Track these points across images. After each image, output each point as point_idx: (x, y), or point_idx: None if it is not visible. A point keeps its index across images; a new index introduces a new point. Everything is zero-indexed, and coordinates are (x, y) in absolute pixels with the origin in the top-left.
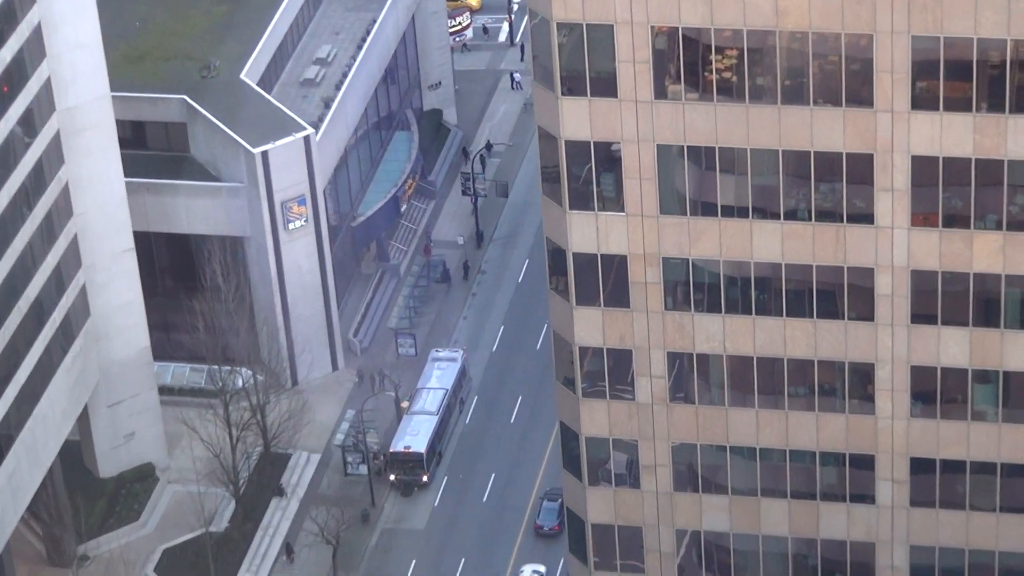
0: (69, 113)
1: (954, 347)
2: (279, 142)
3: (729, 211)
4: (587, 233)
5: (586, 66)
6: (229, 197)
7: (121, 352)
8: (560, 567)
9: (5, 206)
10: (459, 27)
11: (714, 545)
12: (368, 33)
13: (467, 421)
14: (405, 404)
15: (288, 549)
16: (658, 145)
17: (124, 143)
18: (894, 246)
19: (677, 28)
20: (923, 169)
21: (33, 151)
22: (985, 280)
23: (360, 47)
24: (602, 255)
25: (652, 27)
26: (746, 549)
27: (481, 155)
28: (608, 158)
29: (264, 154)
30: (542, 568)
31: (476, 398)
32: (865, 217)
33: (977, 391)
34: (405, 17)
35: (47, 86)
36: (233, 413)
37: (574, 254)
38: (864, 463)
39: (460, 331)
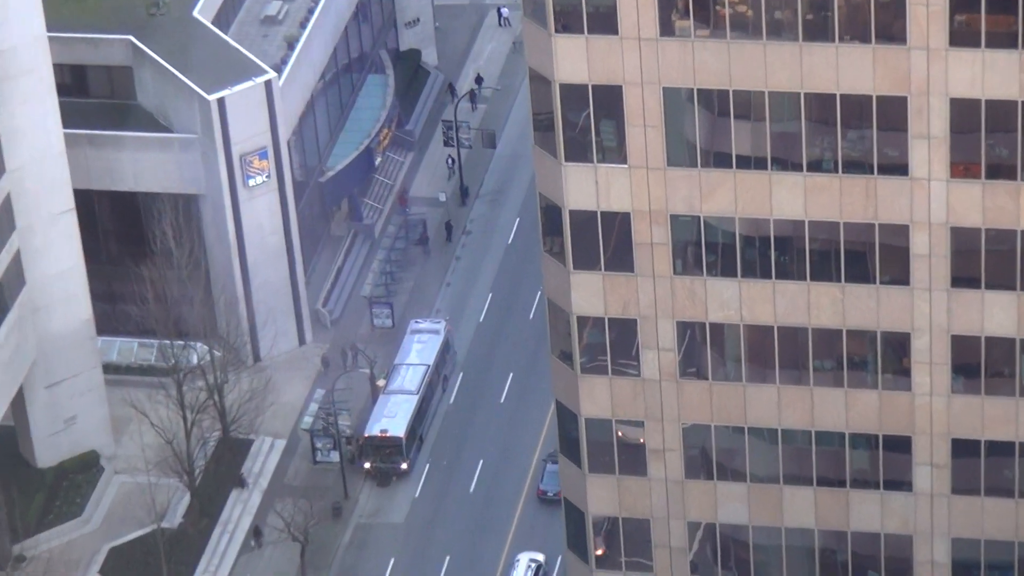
0: (0, 57)
1: (1000, 313)
2: (237, 88)
3: (745, 162)
4: (585, 188)
5: None
6: (181, 150)
7: (60, 326)
8: (557, 565)
9: None
10: None
11: (731, 539)
12: None
13: (451, 401)
14: (381, 382)
15: (256, 532)
16: (664, 88)
17: (62, 90)
18: (931, 200)
19: None
20: (963, 113)
21: None
22: None
23: None
24: (602, 212)
25: None
26: (767, 543)
27: (472, 92)
28: (608, 103)
29: (220, 101)
30: (540, 557)
31: (461, 375)
32: (898, 168)
33: None
34: None
35: None
36: (187, 394)
37: (571, 212)
38: (900, 445)
39: (442, 299)
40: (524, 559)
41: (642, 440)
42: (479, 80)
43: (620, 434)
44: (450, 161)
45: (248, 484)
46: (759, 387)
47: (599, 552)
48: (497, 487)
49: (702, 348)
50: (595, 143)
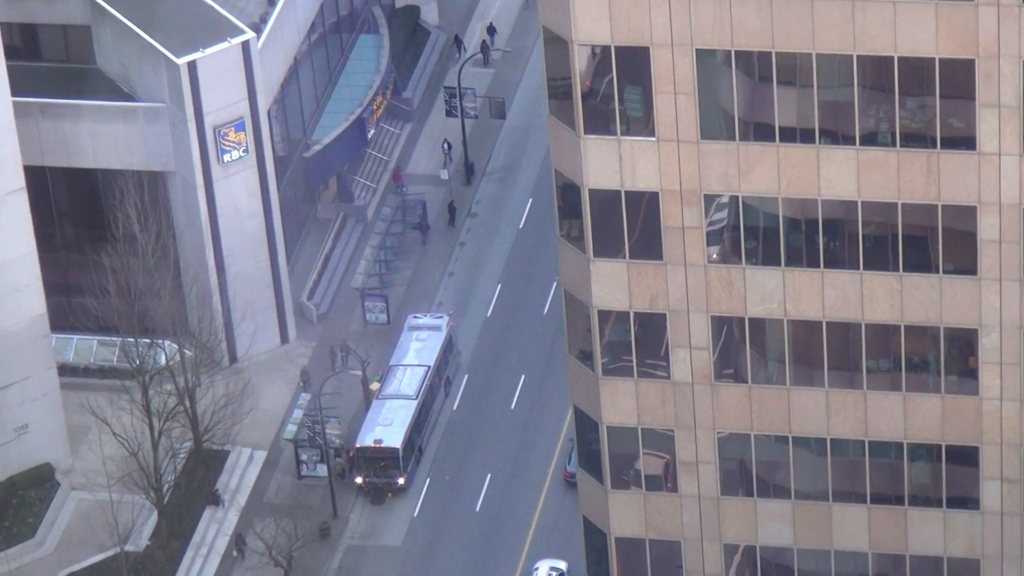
0: None
1: None
2: (210, 50)
3: (789, 135)
4: (607, 164)
5: None
6: (147, 121)
7: (9, 321)
8: None
9: None
10: None
11: (773, 564)
12: None
13: (455, 407)
14: (375, 386)
15: (239, 542)
16: (697, 50)
17: (10, 52)
18: (1002, 178)
19: None
20: None
21: None
22: None
23: None
24: (627, 192)
25: None
26: (814, 569)
27: (484, 45)
28: (634, 67)
29: (191, 65)
30: (562, 565)
31: (466, 377)
32: (964, 141)
33: None
34: None
35: None
36: (154, 399)
37: (591, 191)
38: (965, 457)
39: (445, 291)
40: (544, 567)
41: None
42: (492, 31)
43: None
44: (446, 146)
45: (223, 502)
46: (805, 391)
47: None
48: (507, 505)
49: (740, 347)
50: (619, 113)
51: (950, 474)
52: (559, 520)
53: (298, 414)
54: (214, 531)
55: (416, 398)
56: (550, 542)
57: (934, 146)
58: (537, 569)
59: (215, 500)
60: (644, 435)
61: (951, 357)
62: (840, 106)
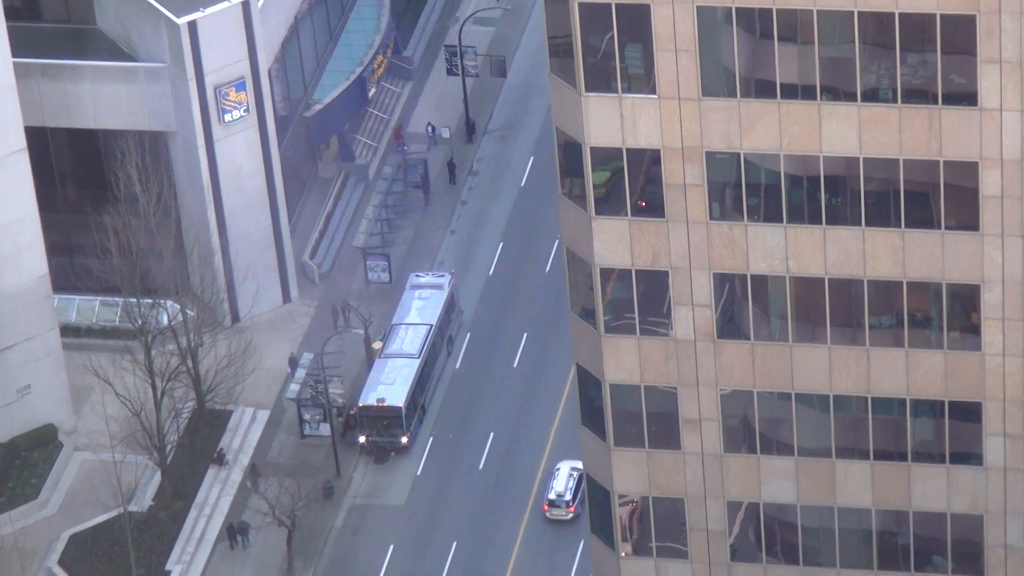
0: None
1: None
2: (210, 9)
3: (791, 91)
4: (609, 122)
5: None
6: (147, 81)
7: (12, 282)
8: (579, 552)
9: None
10: None
11: (776, 520)
12: None
13: (457, 366)
14: (377, 345)
15: (231, 531)
16: (698, 7)
17: (11, 13)
18: (1004, 134)
19: None
20: None
21: None
22: None
23: None
24: (628, 150)
25: None
26: (818, 525)
27: None
28: (635, 24)
29: (191, 25)
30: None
31: (469, 336)
32: (966, 97)
33: None
34: None
35: None
36: (157, 359)
37: (592, 149)
38: (968, 413)
39: (447, 250)
40: (565, 468)
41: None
42: None
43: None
44: (430, 129)
45: (228, 461)
46: (808, 348)
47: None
48: (510, 463)
49: (743, 304)
50: (620, 70)
51: (953, 430)
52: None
53: (301, 373)
54: (218, 491)
55: (419, 357)
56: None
57: (935, 102)
58: (559, 469)
59: (220, 459)
60: (646, 393)
61: (953, 313)
62: (841, 62)
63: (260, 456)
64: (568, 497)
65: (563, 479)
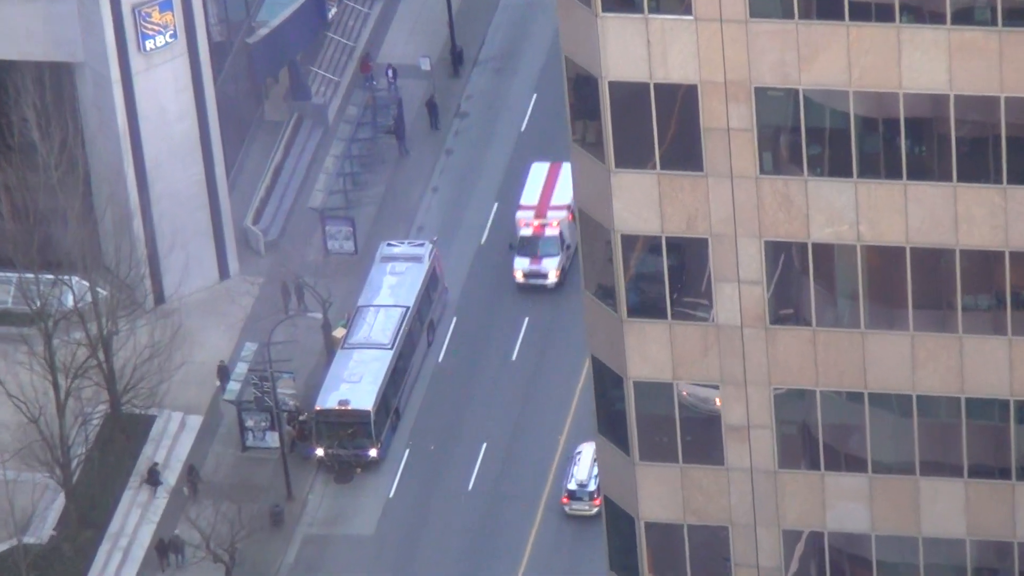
0: None
1: None
2: None
3: (863, 11)
4: (632, 50)
5: None
6: (49, 0)
7: None
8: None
9: None
10: None
11: (845, 555)
12: None
13: (440, 359)
14: (339, 332)
15: (192, 474)
16: None
17: None
18: None
19: None
20: None
21: None
22: None
23: None
24: (657, 85)
25: None
26: (898, 560)
27: None
28: None
29: None
30: None
31: (455, 321)
32: None
33: None
34: None
35: None
36: (60, 351)
37: (611, 84)
38: None
39: (427, 212)
40: (588, 451)
41: (717, 403)
42: None
43: (685, 393)
44: (390, 73)
45: (163, 481)
46: (885, 336)
47: None
48: (506, 483)
49: (802, 280)
50: None
51: None
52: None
53: (242, 368)
54: (137, 517)
55: (391, 348)
56: (561, 530)
57: None
58: (580, 453)
59: (152, 479)
60: (681, 393)
61: None
62: None
63: (191, 474)
64: (592, 487)
65: (586, 465)
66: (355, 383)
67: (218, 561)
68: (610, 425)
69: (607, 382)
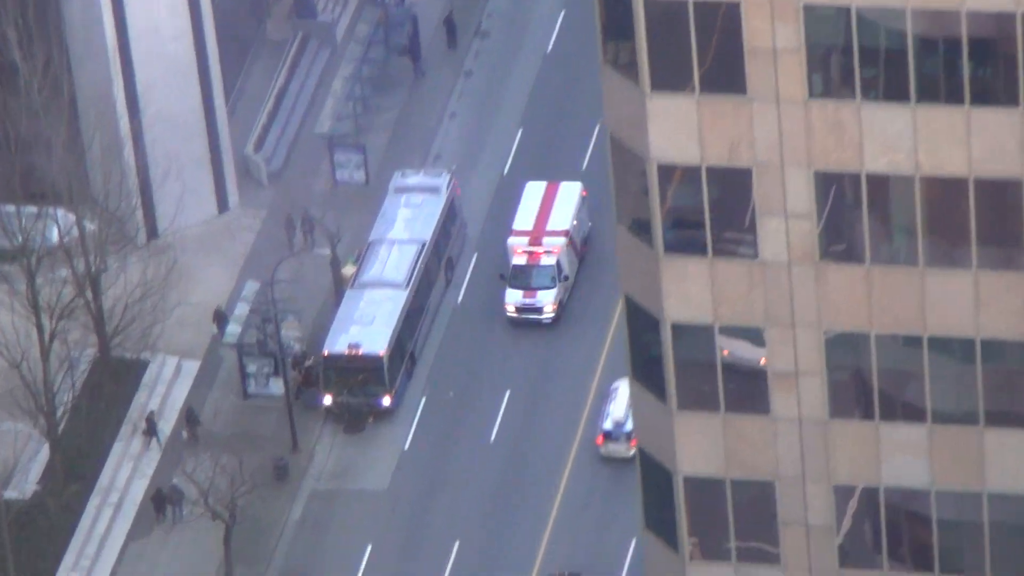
0: None
1: None
2: None
3: None
4: None
5: None
6: None
7: None
8: (630, 554)
9: None
10: None
11: (902, 511)
12: None
13: (459, 300)
14: (349, 270)
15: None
16: None
17: None
18: None
19: None
20: None
21: None
22: None
23: None
24: (696, 3)
25: None
26: (958, 517)
27: None
28: None
29: None
30: None
31: (475, 258)
32: None
33: None
34: None
35: None
36: (44, 289)
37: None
38: None
39: (444, 138)
40: (625, 387)
41: (762, 362)
42: None
43: (726, 352)
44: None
45: (159, 432)
46: (945, 274)
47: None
48: (531, 434)
49: (855, 213)
50: None
51: None
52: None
53: (242, 309)
54: (128, 470)
55: (406, 287)
56: (596, 474)
57: None
58: (616, 388)
59: (150, 428)
60: (723, 335)
61: None
62: None
63: (186, 423)
64: (630, 426)
65: (623, 402)
66: (367, 325)
67: (217, 518)
68: (645, 371)
69: (642, 324)
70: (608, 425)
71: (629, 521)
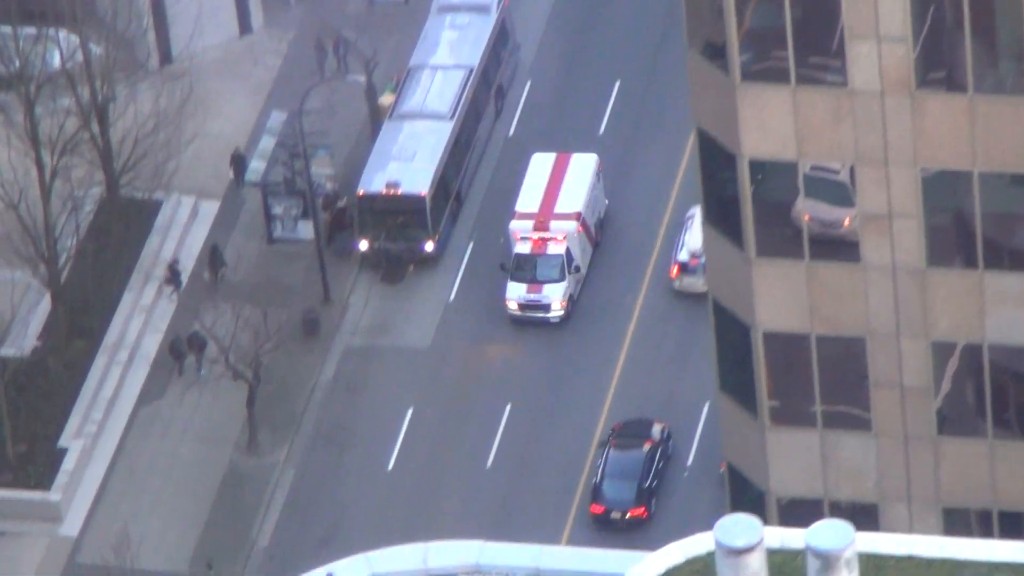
0: None
1: None
2: None
3: None
4: None
5: None
6: None
7: None
8: (703, 417)
9: None
10: None
11: (1009, 371)
12: None
13: (511, 133)
14: (387, 98)
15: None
16: None
17: None
18: None
19: None
20: None
21: None
22: None
23: None
24: None
25: None
26: None
27: None
28: None
29: None
30: None
31: (529, 85)
32: None
33: None
34: None
35: None
36: (45, 120)
37: None
38: None
39: None
40: (699, 214)
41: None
42: None
43: (807, 217)
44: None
45: (182, 282)
46: None
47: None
48: (597, 280)
49: (956, 36)
50: None
51: None
52: (676, 305)
53: (267, 143)
54: (139, 324)
55: (451, 118)
56: (665, 335)
57: None
58: (691, 216)
59: (173, 277)
60: (806, 173)
61: None
62: None
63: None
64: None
65: (700, 231)
66: (407, 161)
67: (239, 378)
68: (719, 213)
69: (716, 161)
70: (683, 256)
71: (704, 373)
